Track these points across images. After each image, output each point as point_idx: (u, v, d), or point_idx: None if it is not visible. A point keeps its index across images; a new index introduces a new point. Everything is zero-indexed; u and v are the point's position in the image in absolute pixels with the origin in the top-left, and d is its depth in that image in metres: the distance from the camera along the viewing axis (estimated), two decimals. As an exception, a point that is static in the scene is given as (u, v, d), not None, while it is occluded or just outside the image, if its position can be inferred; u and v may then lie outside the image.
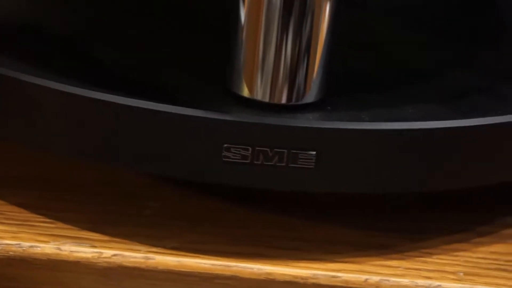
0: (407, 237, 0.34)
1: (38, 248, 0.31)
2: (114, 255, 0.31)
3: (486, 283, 0.32)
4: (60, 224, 0.33)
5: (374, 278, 0.31)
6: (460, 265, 0.33)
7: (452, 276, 0.32)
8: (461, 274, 0.32)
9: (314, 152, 0.30)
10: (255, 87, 0.32)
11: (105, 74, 0.35)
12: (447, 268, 0.32)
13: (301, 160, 0.31)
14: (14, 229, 0.32)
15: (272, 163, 0.30)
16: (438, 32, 0.43)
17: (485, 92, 0.36)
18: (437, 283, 0.31)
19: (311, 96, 0.32)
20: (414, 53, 0.41)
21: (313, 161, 0.31)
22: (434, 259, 0.33)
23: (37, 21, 0.41)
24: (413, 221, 0.35)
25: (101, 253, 0.31)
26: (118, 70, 0.36)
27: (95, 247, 0.31)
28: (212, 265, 0.31)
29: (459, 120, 0.32)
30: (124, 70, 0.36)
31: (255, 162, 0.31)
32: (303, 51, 0.31)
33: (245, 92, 0.32)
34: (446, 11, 0.44)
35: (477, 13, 0.45)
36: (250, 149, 0.30)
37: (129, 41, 0.40)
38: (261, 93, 0.32)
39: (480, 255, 0.34)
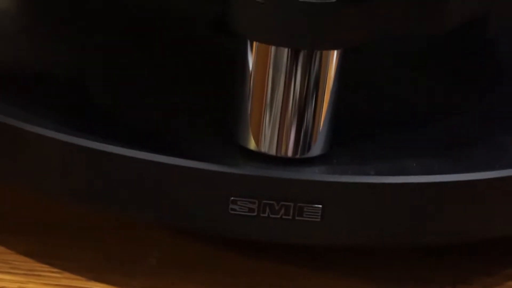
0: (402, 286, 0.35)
1: None
2: None
3: None
4: (66, 274, 0.33)
5: None
6: None
7: None
8: None
9: (320, 206, 0.31)
10: (261, 141, 0.32)
11: (111, 125, 0.35)
12: None
13: (307, 213, 0.31)
14: (21, 279, 0.32)
15: (278, 216, 0.31)
16: (440, 78, 0.42)
17: (484, 142, 0.36)
18: None
19: (317, 149, 0.32)
20: (417, 103, 0.41)
21: (319, 214, 0.31)
22: None
23: (40, 68, 0.41)
24: (416, 271, 0.35)
25: None
26: (127, 121, 0.36)
27: None
28: None
29: (459, 174, 0.32)
30: (132, 121, 0.36)
31: (262, 215, 0.31)
32: (309, 106, 0.31)
33: (252, 145, 0.32)
34: (449, 55, 0.44)
35: (479, 58, 0.45)
36: (256, 202, 0.30)
37: (137, 92, 0.39)
38: (267, 146, 0.32)
39: None
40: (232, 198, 0.30)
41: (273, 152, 0.32)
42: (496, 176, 0.33)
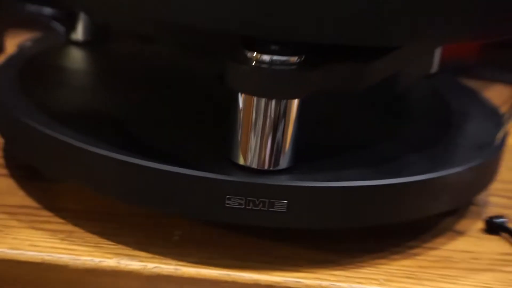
0: (346, 255, 0.35)
1: (105, 262, 0.33)
2: (155, 267, 0.33)
3: (400, 286, 0.33)
4: (119, 245, 0.34)
5: (325, 283, 0.33)
6: (381, 274, 0.34)
7: (376, 282, 0.33)
8: (382, 280, 0.33)
9: (286, 201, 0.32)
10: (247, 157, 0.33)
11: (144, 147, 0.35)
12: (373, 276, 0.34)
13: (277, 206, 0.32)
14: (90, 249, 0.33)
15: (258, 208, 0.32)
16: (374, 113, 0.43)
17: (401, 159, 0.37)
18: (366, 286, 0.33)
19: (284, 163, 0.33)
20: (357, 131, 0.41)
21: (285, 207, 0.32)
22: (364, 270, 0.34)
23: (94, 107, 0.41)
24: (351, 244, 0.36)
25: (146, 265, 0.33)
26: (153, 145, 0.36)
27: (142, 261, 0.33)
28: (219, 274, 0.33)
29: (387, 179, 0.34)
30: (156, 145, 0.36)
31: (247, 207, 0.32)
32: (279, 134, 0.32)
33: (241, 161, 0.33)
34: (379, 97, 0.44)
35: (400, 100, 0.46)
36: (244, 199, 0.32)
37: (160, 123, 0.39)
38: (251, 161, 0.33)
39: (395, 267, 0.35)
40: (228, 196, 0.32)
41: (255, 165, 0.33)
42: (403, 181, 0.34)
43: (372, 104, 0.43)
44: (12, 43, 0.57)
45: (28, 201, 0.37)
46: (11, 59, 0.46)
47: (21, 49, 0.56)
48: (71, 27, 0.49)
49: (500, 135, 0.40)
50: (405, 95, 0.46)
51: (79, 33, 0.49)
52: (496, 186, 0.43)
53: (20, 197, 0.38)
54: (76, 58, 0.48)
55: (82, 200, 0.38)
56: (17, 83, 0.41)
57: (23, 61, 0.46)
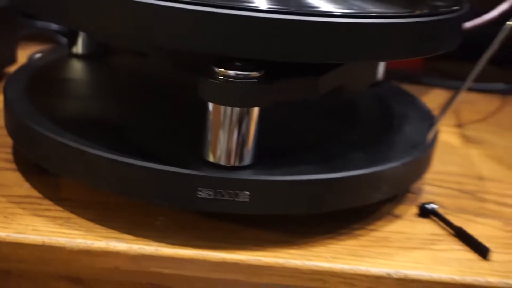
0: (301, 236, 0.35)
1: (96, 244, 0.33)
2: (139, 248, 0.33)
3: (344, 263, 0.34)
4: (109, 230, 0.34)
5: (281, 260, 0.33)
6: (329, 252, 0.34)
7: (324, 259, 0.34)
8: (330, 257, 0.34)
9: (249, 192, 0.32)
10: (216, 155, 0.33)
11: (133, 147, 0.35)
12: (322, 254, 0.34)
13: (241, 196, 0.32)
14: (83, 233, 0.34)
15: (225, 198, 0.32)
16: (325, 116, 0.43)
17: (349, 156, 0.37)
18: (316, 262, 0.33)
19: (247, 160, 0.33)
20: (310, 131, 0.41)
21: (248, 197, 0.32)
22: (315, 249, 0.34)
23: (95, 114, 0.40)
24: (305, 226, 0.36)
25: (131, 247, 0.33)
26: (139, 144, 0.35)
27: (128, 243, 0.33)
28: (193, 253, 0.33)
29: (334, 174, 0.34)
30: (141, 144, 0.36)
31: (216, 197, 0.32)
32: (243, 136, 0.33)
33: (211, 158, 0.33)
34: (328, 102, 0.44)
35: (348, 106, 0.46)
36: (213, 190, 0.32)
37: (145, 126, 0.39)
38: (220, 159, 0.33)
39: (341, 247, 0.35)
40: (199, 188, 0.32)
41: (222, 162, 0.33)
42: (347, 175, 0.34)
43: (324, 109, 0.43)
44: (24, 54, 0.57)
45: (32, 192, 0.37)
46: (21, 69, 0.46)
47: (30, 60, 0.56)
48: (73, 42, 0.49)
49: (431, 135, 0.40)
50: (354, 101, 0.46)
51: (79, 47, 0.49)
52: (429, 176, 0.44)
53: (25, 189, 0.38)
54: (76, 69, 0.48)
55: (78, 191, 0.38)
56: (25, 91, 0.41)
57: (31, 71, 0.46)
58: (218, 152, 0.33)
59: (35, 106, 0.39)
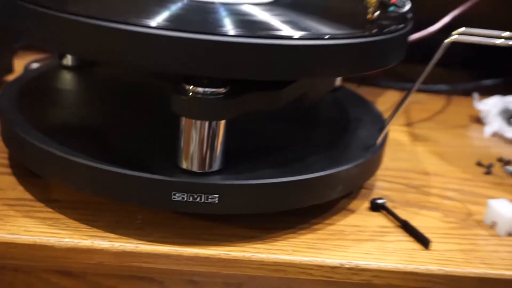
0: (265, 232, 0.35)
1: (82, 243, 0.32)
2: (120, 245, 0.32)
3: (303, 255, 0.33)
4: (93, 229, 0.33)
5: (248, 254, 0.33)
6: (290, 246, 0.34)
7: (286, 252, 0.33)
8: (291, 250, 0.34)
9: (217, 195, 0.32)
10: (188, 163, 0.33)
11: (110, 154, 0.34)
12: (284, 248, 0.34)
13: (210, 199, 0.32)
14: (71, 232, 0.33)
15: (197, 201, 0.32)
16: (288, 122, 0.42)
17: (309, 160, 0.36)
18: (278, 255, 0.33)
19: (216, 166, 0.33)
20: (279, 138, 0.40)
21: (217, 199, 0.32)
22: (278, 243, 0.34)
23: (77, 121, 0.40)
24: (269, 223, 0.36)
25: (113, 244, 0.32)
26: (117, 152, 0.35)
27: (110, 241, 0.33)
28: (169, 249, 0.32)
29: (293, 177, 0.33)
30: (119, 151, 0.35)
31: (189, 200, 0.32)
32: (212, 144, 0.32)
33: (184, 165, 0.33)
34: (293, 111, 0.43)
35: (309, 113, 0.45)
36: (186, 194, 0.32)
37: (123, 132, 0.38)
38: (191, 166, 0.33)
39: (301, 240, 0.35)
40: (173, 192, 0.32)
41: (194, 168, 0.33)
42: (305, 177, 0.34)
43: (286, 114, 0.42)
44: (21, 63, 0.56)
45: (25, 195, 0.37)
46: (16, 80, 0.45)
47: (26, 70, 0.55)
48: (63, 54, 0.48)
49: (381, 137, 0.40)
50: (314, 106, 0.45)
51: (69, 59, 0.48)
52: (381, 172, 0.43)
53: (19, 191, 0.37)
54: (65, 80, 0.46)
55: (67, 193, 0.37)
56: (17, 101, 0.40)
57: (24, 81, 0.45)
58: (190, 160, 0.33)
59: (25, 115, 0.38)
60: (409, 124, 0.56)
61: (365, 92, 0.59)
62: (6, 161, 0.40)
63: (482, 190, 0.44)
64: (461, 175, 0.46)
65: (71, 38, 0.30)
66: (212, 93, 0.31)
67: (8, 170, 0.39)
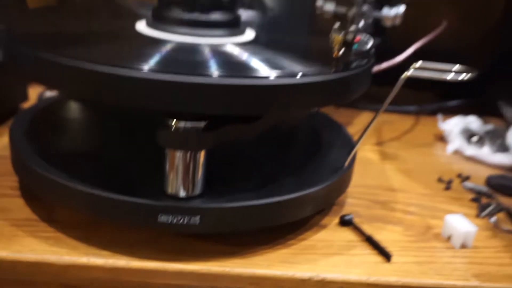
0: (243, 248, 0.35)
1: (80, 260, 0.33)
2: (113, 262, 0.33)
3: (277, 269, 0.33)
4: (90, 247, 0.34)
5: (227, 269, 0.33)
6: (266, 260, 0.34)
7: (262, 266, 0.33)
8: (266, 265, 0.33)
9: (198, 216, 0.32)
10: (173, 188, 0.33)
11: (108, 181, 0.33)
12: (260, 262, 0.34)
13: (192, 220, 0.32)
14: (70, 250, 0.33)
15: (180, 222, 0.32)
16: (272, 149, 0.42)
17: (283, 183, 0.36)
18: (254, 270, 0.33)
19: (197, 191, 0.33)
20: (255, 163, 0.39)
21: (198, 220, 0.32)
22: (255, 258, 0.34)
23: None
24: (247, 239, 0.35)
25: (107, 261, 0.33)
26: (111, 179, 0.34)
27: (105, 258, 0.33)
28: (156, 265, 0.32)
29: (267, 199, 0.33)
30: (114, 177, 0.34)
31: (173, 222, 0.32)
32: (193, 172, 0.33)
33: (169, 190, 0.33)
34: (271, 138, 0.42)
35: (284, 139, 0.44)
36: (171, 215, 0.32)
37: (117, 159, 0.37)
38: (176, 191, 0.33)
39: (275, 255, 0.35)
40: (160, 214, 0.32)
41: (178, 194, 0.33)
42: (282, 199, 0.34)
43: (263, 141, 0.41)
44: (35, 92, 0.56)
45: (32, 215, 0.37)
46: (28, 109, 0.45)
47: (39, 98, 0.56)
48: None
49: (348, 160, 0.40)
50: (290, 131, 0.45)
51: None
52: (351, 189, 0.44)
53: (26, 213, 0.37)
54: (73, 109, 0.46)
55: (67, 214, 0.37)
56: (28, 129, 0.41)
57: (36, 110, 0.45)
58: (174, 186, 0.33)
59: (34, 142, 0.38)
60: (380, 143, 0.56)
61: (343, 113, 0.61)
62: (16, 184, 0.40)
63: (442, 205, 0.44)
64: (423, 190, 0.46)
65: (62, 81, 0.30)
66: (192, 127, 0.31)
67: (18, 192, 0.39)
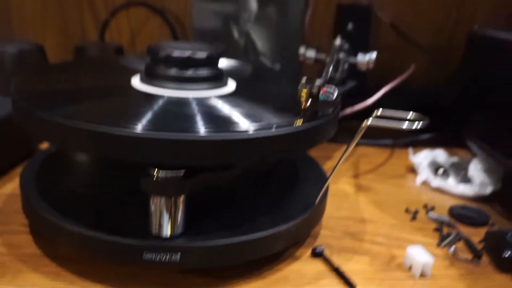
0: (222, 280, 0.35)
1: None
2: None
3: None
4: (86, 281, 0.34)
5: None
6: None
7: None
8: None
9: (179, 254, 0.32)
10: (157, 229, 0.33)
11: (101, 226, 0.33)
12: None
13: (174, 256, 0.32)
14: (68, 285, 0.33)
15: (163, 260, 0.32)
16: (250, 187, 0.41)
17: (260, 222, 0.35)
18: None
19: (178, 231, 0.33)
20: (235, 201, 0.39)
21: (179, 257, 0.32)
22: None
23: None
24: (225, 272, 0.35)
25: None
26: (103, 220, 0.34)
27: None
28: None
29: (241, 237, 0.33)
30: (105, 220, 0.34)
31: (156, 260, 0.32)
32: (175, 214, 0.33)
33: (153, 231, 0.33)
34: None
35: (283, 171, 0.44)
36: (154, 253, 0.32)
37: (112, 207, 0.37)
38: (159, 232, 0.33)
39: (252, 286, 0.34)
40: (145, 252, 0.32)
41: (161, 234, 0.33)
42: (256, 237, 0.33)
43: (242, 179, 0.39)
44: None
45: (37, 251, 0.37)
46: (40, 153, 0.45)
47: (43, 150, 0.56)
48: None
49: (318, 198, 0.40)
50: (268, 169, 0.44)
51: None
52: (326, 221, 0.44)
53: (33, 248, 0.37)
54: (79, 155, 0.46)
55: (68, 250, 0.37)
56: (37, 173, 0.41)
57: (47, 154, 0.45)
58: (158, 227, 0.33)
59: (40, 185, 0.38)
60: (356, 176, 0.56)
61: (323, 148, 0.60)
62: (25, 221, 0.41)
63: (407, 235, 0.44)
64: (391, 221, 0.46)
65: (52, 138, 0.31)
66: (171, 176, 0.31)
67: (27, 229, 0.40)
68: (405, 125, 0.36)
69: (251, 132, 0.31)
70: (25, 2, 0.77)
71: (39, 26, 0.78)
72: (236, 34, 0.68)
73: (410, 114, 0.37)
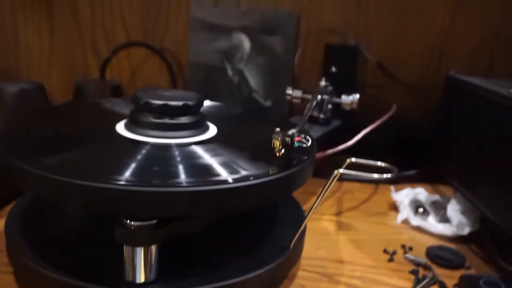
0: None
1: None
2: None
3: None
4: None
5: None
6: None
7: None
8: None
9: None
10: (130, 276, 0.32)
11: (78, 273, 0.32)
12: None
13: None
14: None
15: None
16: (228, 233, 0.40)
17: (238, 267, 0.34)
18: None
19: (151, 277, 0.32)
20: (209, 246, 0.37)
21: None
22: None
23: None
24: None
25: None
26: (85, 269, 0.33)
27: None
28: None
29: (214, 284, 0.32)
30: (82, 266, 0.33)
31: None
32: (147, 263, 0.32)
33: (127, 278, 0.32)
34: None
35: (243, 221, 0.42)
36: None
37: (90, 254, 0.35)
38: (134, 278, 0.32)
39: None
40: None
41: (135, 280, 0.32)
42: (232, 282, 0.33)
43: (220, 224, 0.38)
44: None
45: (17, 292, 0.36)
46: (24, 197, 0.44)
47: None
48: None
49: (293, 242, 0.39)
50: (249, 212, 0.43)
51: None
52: (304, 262, 0.43)
53: (14, 289, 0.37)
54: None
55: None
56: (21, 217, 0.40)
57: (29, 199, 0.44)
58: (132, 274, 0.32)
59: (23, 231, 0.38)
60: (338, 213, 0.55)
61: (308, 182, 0.59)
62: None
63: (383, 277, 0.42)
64: (368, 262, 0.45)
65: (29, 186, 0.31)
66: (143, 226, 0.31)
67: (10, 269, 0.39)
68: (376, 177, 0.35)
69: (224, 185, 0.30)
70: (33, 41, 0.78)
71: (45, 64, 0.79)
72: (230, 71, 0.69)
73: (380, 163, 0.37)
